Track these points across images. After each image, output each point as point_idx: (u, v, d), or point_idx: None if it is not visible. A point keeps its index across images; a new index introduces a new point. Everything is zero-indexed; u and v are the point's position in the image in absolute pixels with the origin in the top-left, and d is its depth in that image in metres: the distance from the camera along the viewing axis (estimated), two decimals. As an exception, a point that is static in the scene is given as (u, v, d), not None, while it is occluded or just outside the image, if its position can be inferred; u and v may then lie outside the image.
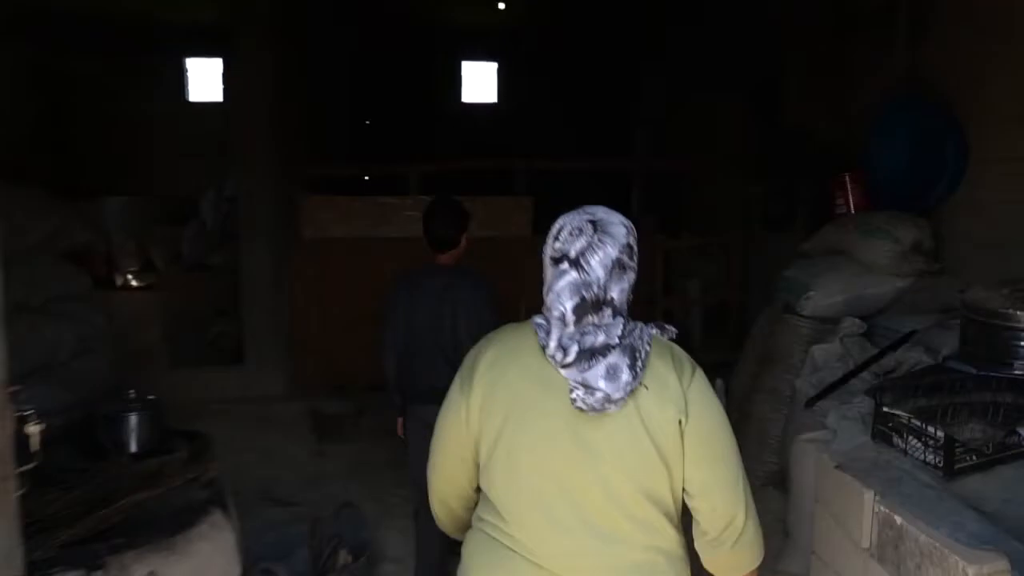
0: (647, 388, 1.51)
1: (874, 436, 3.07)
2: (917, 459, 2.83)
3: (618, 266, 1.53)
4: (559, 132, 11.44)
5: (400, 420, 3.33)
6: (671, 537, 1.57)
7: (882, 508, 2.56)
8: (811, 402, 3.63)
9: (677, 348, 1.63)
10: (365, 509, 4.23)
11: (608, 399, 1.46)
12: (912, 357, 3.55)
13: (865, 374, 3.76)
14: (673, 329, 1.63)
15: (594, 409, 1.47)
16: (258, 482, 4.62)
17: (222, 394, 6.32)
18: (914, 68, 4.76)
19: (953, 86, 4.39)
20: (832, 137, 5.72)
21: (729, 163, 7.12)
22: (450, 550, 2.50)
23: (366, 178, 10.96)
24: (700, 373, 1.60)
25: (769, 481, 4.24)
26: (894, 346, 3.91)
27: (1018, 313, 3.17)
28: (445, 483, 1.74)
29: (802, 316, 4.22)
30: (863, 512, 2.66)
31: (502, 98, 13.49)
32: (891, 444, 2.97)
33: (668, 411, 1.52)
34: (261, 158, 6.21)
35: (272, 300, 6.47)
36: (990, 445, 2.62)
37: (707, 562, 1.66)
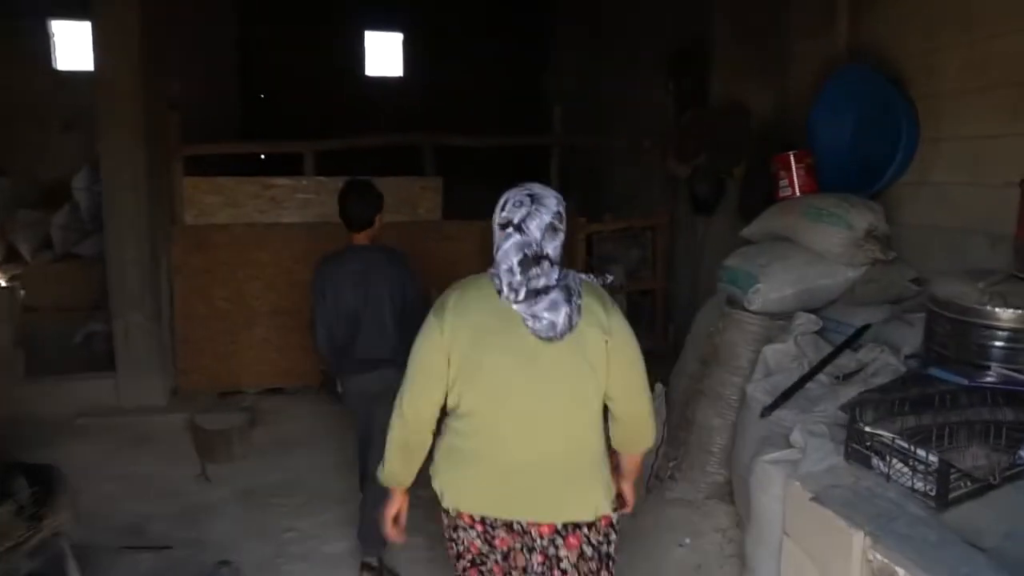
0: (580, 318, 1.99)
1: (848, 456, 2.66)
2: (904, 485, 2.44)
3: (551, 229, 1.98)
4: (470, 108, 10.83)
5: (338, 380, 3.48)
6: (597, 434, 2.10)
7: (878, 556, 2.14)
8: (767, 411, 3.22)
9: (600, 289, 2.12)
10: (253, 552, 3.59)
11: (553, 326, 1.94)
12: (877, 358, 3.18)
13: (822, 376, 3.38)
14: (610, 276, 2.35)
15: (548, 336, 1.95)
16: (127, 518, 3.89)
17: (90, 407, 5.47)
18: (857, 37, 4.41)
19: (901, 57, 4.05)
20: (768, 112, 5.36)
21: (653, 141, 6.70)
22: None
23: (262, 157, 10.11)
24: (617, 307, 2.08)
25: (713, 494, 3.84)
26: (849, 343, 3.55)
27: (996, 310, 2.82)
28: (419, 398, 2.07)
29: (750, 311, 3.81)
30: (851, 557, 2.24)
31: (408, 71, 12.70)
32: (869, 466, 2.57)
33: (597, 334, 2.00)
34: (127, 132, 5.33)
35: (149, 296, 5.63)
36: (996, 473, 2.24)
37: (619, 443, 2.18)
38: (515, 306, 1.94)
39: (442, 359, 2.00)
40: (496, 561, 2.11)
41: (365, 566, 3.32)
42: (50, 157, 9.58)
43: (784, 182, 4.20)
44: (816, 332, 3.66)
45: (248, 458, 4.75)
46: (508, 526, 2.07)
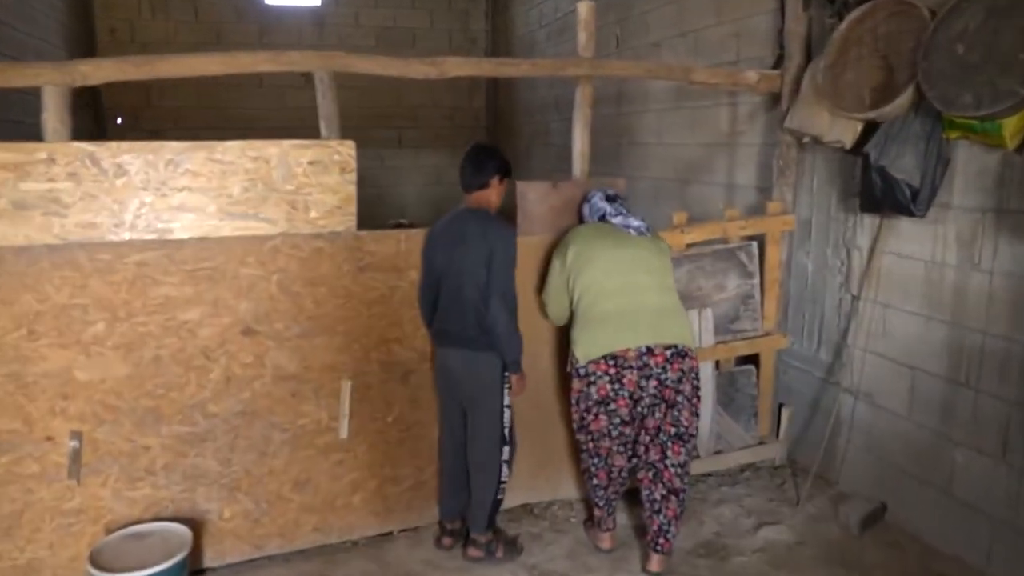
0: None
1: None
2: None
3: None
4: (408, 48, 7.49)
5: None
6: (677, 297, 3.00)
7: None
8: None
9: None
10: None
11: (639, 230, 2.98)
12: None
13: None
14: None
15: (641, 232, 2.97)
16: None
17: None
18: None
19: None
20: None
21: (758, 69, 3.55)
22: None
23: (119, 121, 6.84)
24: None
25: None
26: None
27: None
28: (556, 301, 3.06)
29: None
30: None
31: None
32: None
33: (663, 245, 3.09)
34: None
35: None
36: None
37: None
38: (614, 220, 3.01)
39: (565, 277, 2.99)
40: (623, 397, 2.83)
41: (473, 542, 3.10)
42: None
43: None
44: None
45: None
46: (634, 360, 2.79)
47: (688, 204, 4.83)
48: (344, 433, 3.13)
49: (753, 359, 3.76)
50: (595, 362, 2.82)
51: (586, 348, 2.84)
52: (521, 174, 8.66)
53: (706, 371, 3.57)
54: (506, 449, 2.99)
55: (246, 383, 3.00)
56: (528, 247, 3.19)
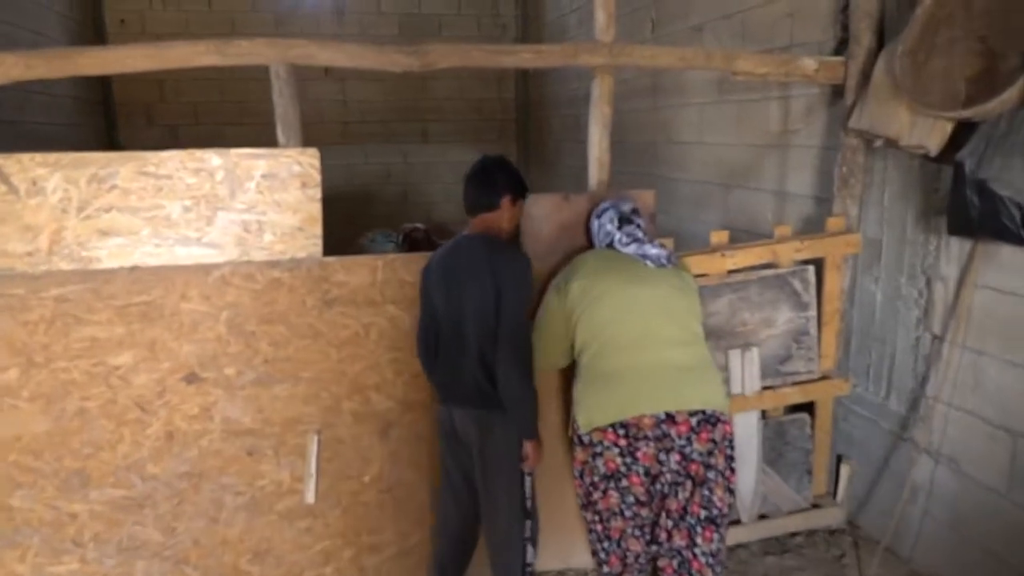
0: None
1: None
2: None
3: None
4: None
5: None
6: (705, 345, 2.40)
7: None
8: None
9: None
10: None
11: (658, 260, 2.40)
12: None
13: None
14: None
15: (661, 263, 2.40)
16: None
17: None
18: None
19: None
20: None
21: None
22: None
23: None
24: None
25: None
26: None
27: None
28: (548, 347, 2.47)
29: None
30: None
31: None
32: None
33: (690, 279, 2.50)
34: None
35: None
36: None
37: None
38: (625, 249, 2.43)
39: (564, 317, 2.42)
40: (637, 473, 2.24)
41: None
42: None
43: None
44: None
45: None
46: (650, 430, 2.21)
47: (731, 213, 4.20)
48: (311, 496, 2.63)
49: (807, 405, 3.15)
50: (601, 430, 2.25)
51: (590, 413, 2.27)
52: (552, 172, 8.13)
53: (750, 421, 2.97)
54: (528, 524, 2.42)
55: (191, 440, 2.52)
56: (534, 274, 2.64)
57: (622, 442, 2.24)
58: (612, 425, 2.23)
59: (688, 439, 2.22)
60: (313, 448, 2.61)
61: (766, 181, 3.85)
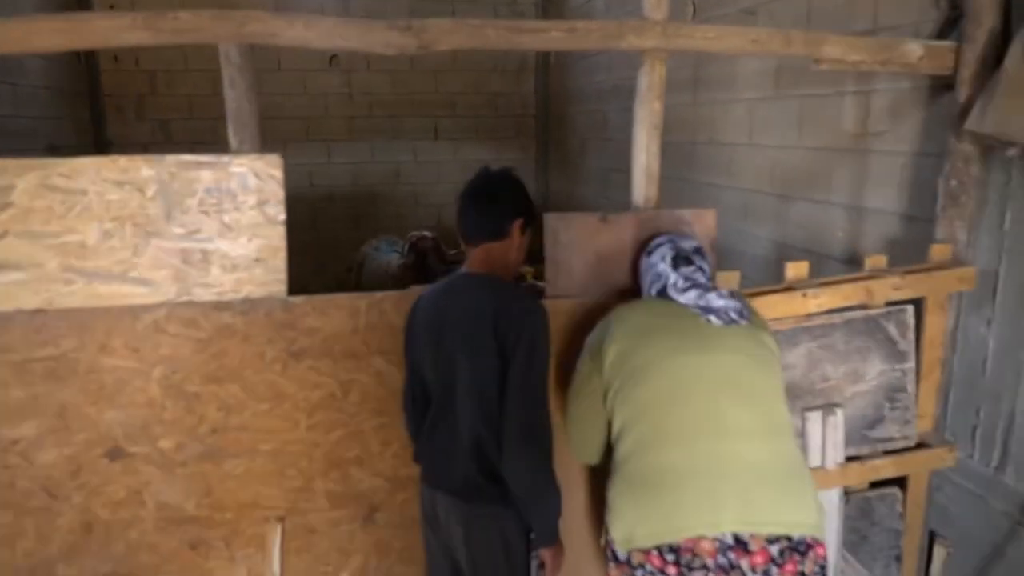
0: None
1: None
2: None
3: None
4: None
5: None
6: (793, 435, 1.77)
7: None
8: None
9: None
10: None
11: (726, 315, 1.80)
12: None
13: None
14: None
15: (730, 319, 1.80)
16: None
17: None
18: None
19: None
20: None
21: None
22: None
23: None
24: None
25: None
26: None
27: None
28: (583, 425, 1.86)
29: None
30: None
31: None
32: None
33: (770, 338, 1.87)
34: None
35: None
36: None
37: None
38: (682, 298, 1.82)
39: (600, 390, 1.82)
40: None
41: None
42: None
43: None
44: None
45: None
46: (710, 558, 1.60)
47: (788, 227, 3.58)
48: (274, 600, 2.05)
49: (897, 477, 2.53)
50: (644, 551, 1.64)
51: (629, 527, 1.66)
52: (576, 174, 7.51)
53: (831, 500, 2.36)
54: None
55: (117, 531, 1.95)
56: (558, 316, 2.04)
57: (671, 570, 1.63)
58: (658, 547, 1.63)
59: (766, 572, 1.61)
60: (276, 539, 2.03)
61: (836, 192, 3.22)
